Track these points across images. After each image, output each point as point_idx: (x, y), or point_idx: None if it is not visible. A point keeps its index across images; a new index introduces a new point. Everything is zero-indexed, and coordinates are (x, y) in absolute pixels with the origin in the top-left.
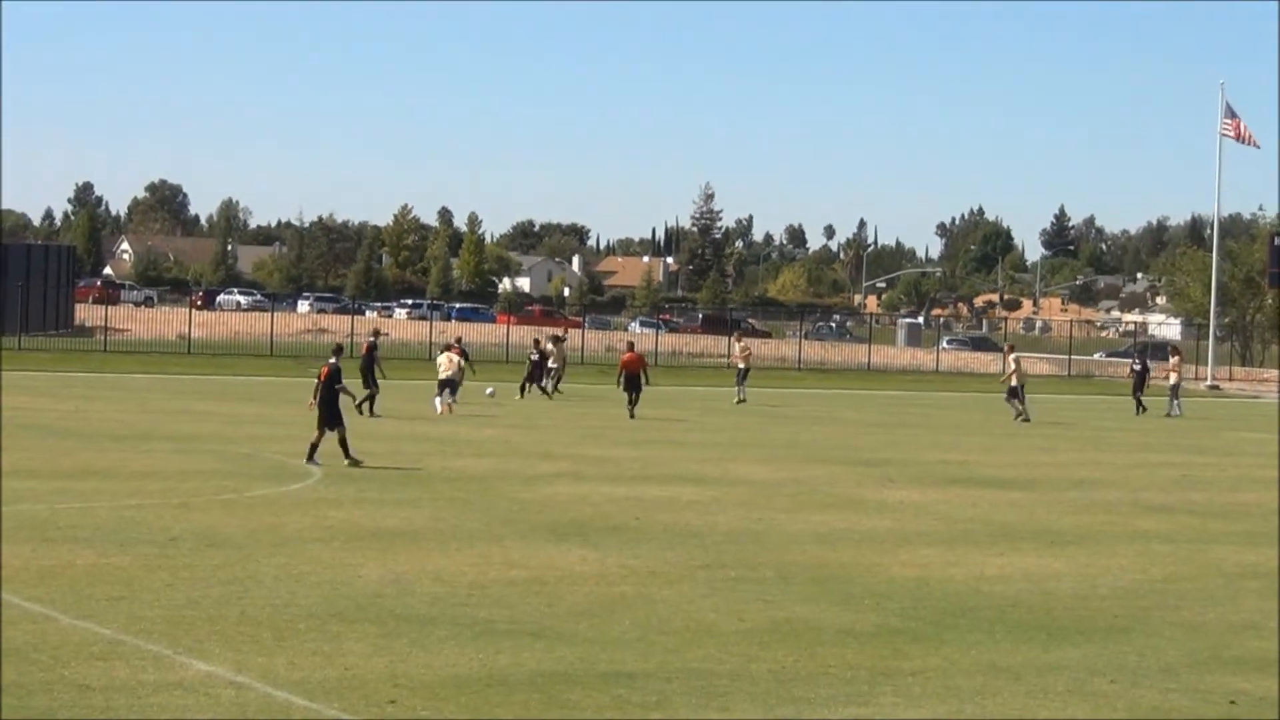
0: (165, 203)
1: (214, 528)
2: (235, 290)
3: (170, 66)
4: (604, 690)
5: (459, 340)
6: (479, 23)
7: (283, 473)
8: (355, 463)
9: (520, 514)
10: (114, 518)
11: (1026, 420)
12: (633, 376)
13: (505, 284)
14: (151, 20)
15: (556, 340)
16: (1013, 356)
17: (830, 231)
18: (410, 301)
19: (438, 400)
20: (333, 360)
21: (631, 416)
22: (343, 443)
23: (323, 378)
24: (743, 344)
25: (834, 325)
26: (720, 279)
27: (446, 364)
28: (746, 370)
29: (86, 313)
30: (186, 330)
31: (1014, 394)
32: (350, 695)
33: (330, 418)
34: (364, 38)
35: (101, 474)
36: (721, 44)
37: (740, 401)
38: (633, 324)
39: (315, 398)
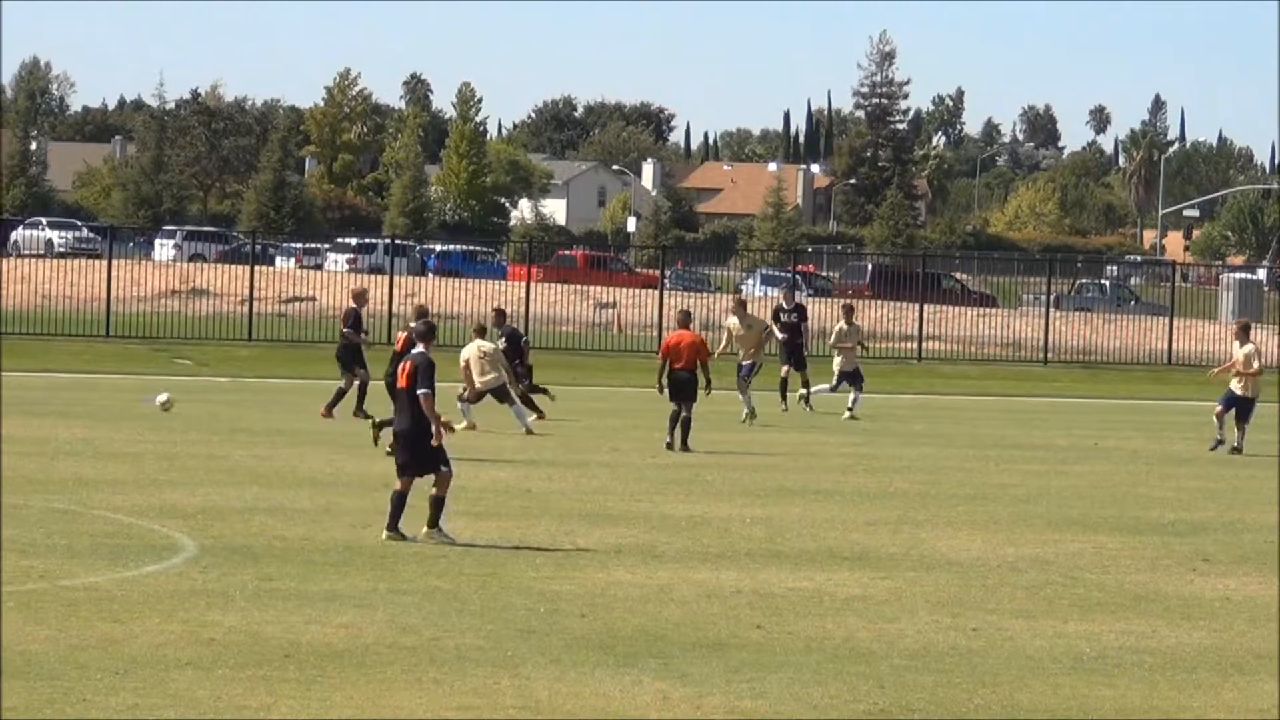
0: None
1: (7, 644)
2: (44, 221)
3: None
4: None
5: (500, 315)
6: None
7: (126, 545)
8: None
9: (550, 618)
10: None
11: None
12: (687, 376)
13: (522, 210)
14: None
15: (500, 315)
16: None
17: (1101, 120)
18: (355, 241)
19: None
20: (418, 348)
21: (680, 447)
22: (436, 505)
23: (405, 377)
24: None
25: (1107, 284)
26: (905, 202)
27: (478, 361)
28: None
29: None
30: None
31: None
32: None
33: (425, 455)
34: None
35: None
36: None
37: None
38: (749, 279)
39: (372, 420)
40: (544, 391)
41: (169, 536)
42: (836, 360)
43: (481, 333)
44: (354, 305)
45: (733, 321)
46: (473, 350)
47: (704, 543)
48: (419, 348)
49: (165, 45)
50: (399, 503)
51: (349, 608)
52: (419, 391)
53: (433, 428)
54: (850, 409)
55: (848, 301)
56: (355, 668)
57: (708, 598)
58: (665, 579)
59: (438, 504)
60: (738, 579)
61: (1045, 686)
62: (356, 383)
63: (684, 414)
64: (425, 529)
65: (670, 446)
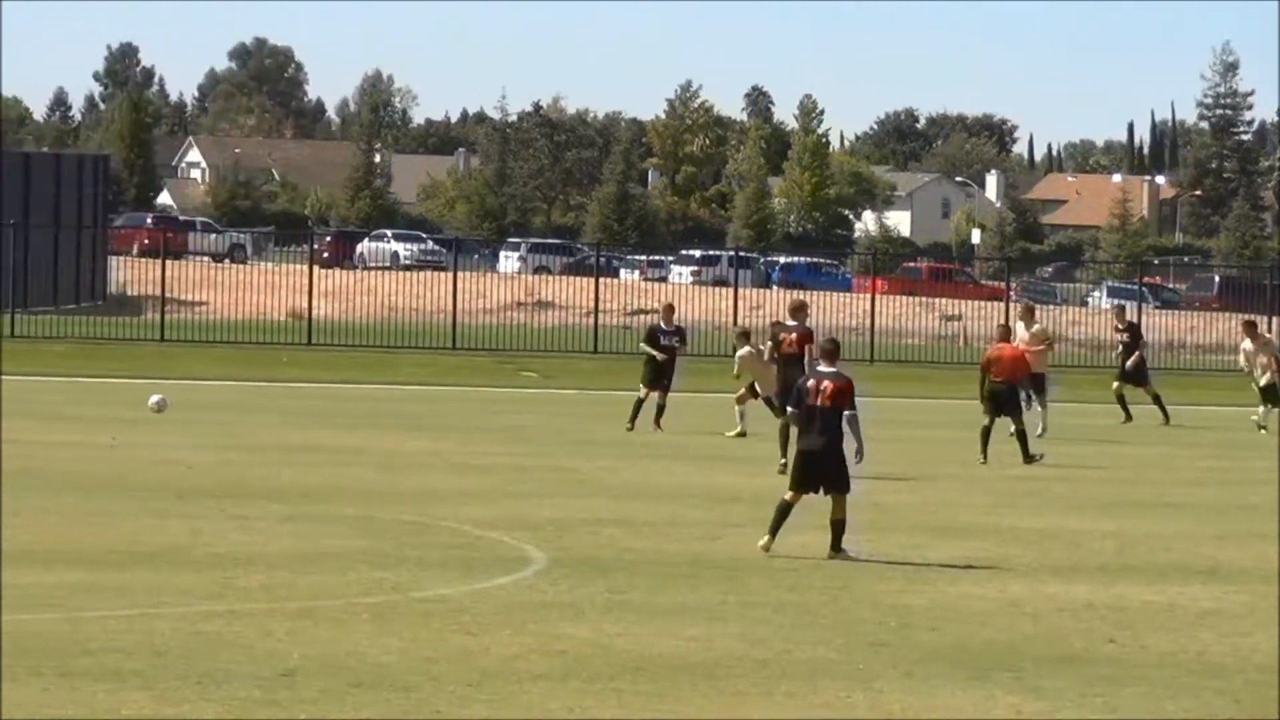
0: (264, 79)
1: (359, 655)
2: (388, 234)
3: None
4: None
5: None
6: None
7: (477, 557)
8: None
9: (901, 631)
10: (183, 635)
11: None
12: (1006, 389)
13: (868, 221)
14: None
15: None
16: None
17: None
18: (698, 253)
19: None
20: (825, 365)
21: (1024, 459)
22: (840, 529)
23: (828, 396)
24: (1264, 341)
25: None
26: (1252, 214)
27: (749, 361)
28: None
29: (130, 272)
30: (304, 303)
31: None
32: None
33: (835, 475)
34: None
35: (159, 556)
36: None
37: (1262, 429)
38: (1095, 292)
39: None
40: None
41: (519, 549)
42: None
43: (746, 337)
44: (658, 320)
45: (1019, 328)
46: (750, 355)
47: (1054, 556)
48: (824, 364)
49: (507, 58)
50: (785, 514)
51: (699, 620)
52: (847, 412)
53: (857, 448)
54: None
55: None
56: (706, 680)
57: (1059, 611)
58: (1016, 592)
59: (841, 527)
60: (1089, 593)
61: None
62: (655, 394)
63: (1015, 427)
64: (830, 552)
65: (985, 461)
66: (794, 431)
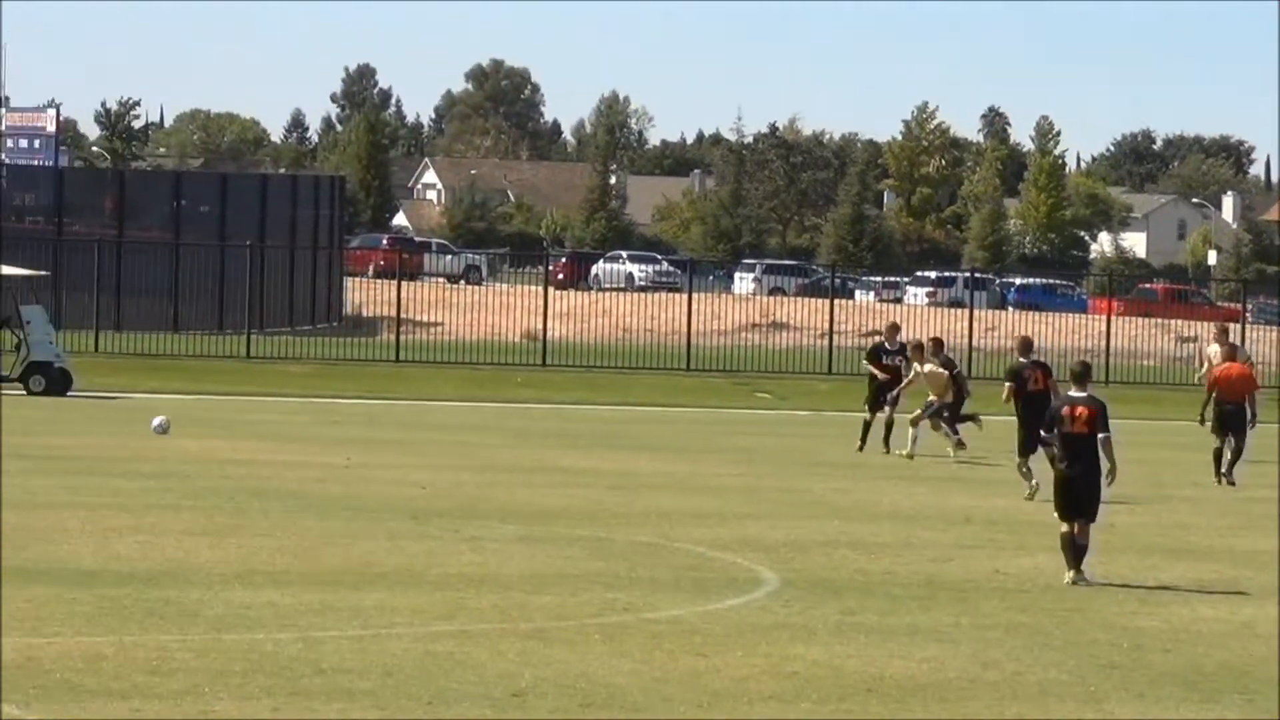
0: (500, 100)
1: (590, 675)
2: (624, 255)
3: None
4: None
5: (938, 344)
6: None
7: (710, 579)
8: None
9: (1134, 653)
10: (415, 656)
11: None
12: (1234, 408)
13: (1103, 243)
14: None
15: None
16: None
17: None
18: (934, 275)
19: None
20: (1077, 390)
21: (1226, 480)
22: (1082, 551)
23: (1084, 423)
24: None
25: None
26: None
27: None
28: None
29: (366, 293)
30: (539, 324)
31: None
32: None
33: (1090, 499)
34: None
35: (393, 577)
36: None
37: None
38: None
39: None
40: (973, 419)
41: (751, 570)
42: None
43: (920, 350)
44: (882, 339)
45: (1213, 349)
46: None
47: None
48: (1075, 389)
49: (743, 80)
50: (1073, 544)
51: (931, 641)
52: (1100, 435)
53: (1109, 469)
54: None
55: None
56: (938, 701)
57: None
58: (1249, 615)
59: (1084, 550)
60: None
61: None
62: (882, 416)
63: (1235, 444)
64: (1071, 574)
65: (1220, 483)
66: (1037, 454)
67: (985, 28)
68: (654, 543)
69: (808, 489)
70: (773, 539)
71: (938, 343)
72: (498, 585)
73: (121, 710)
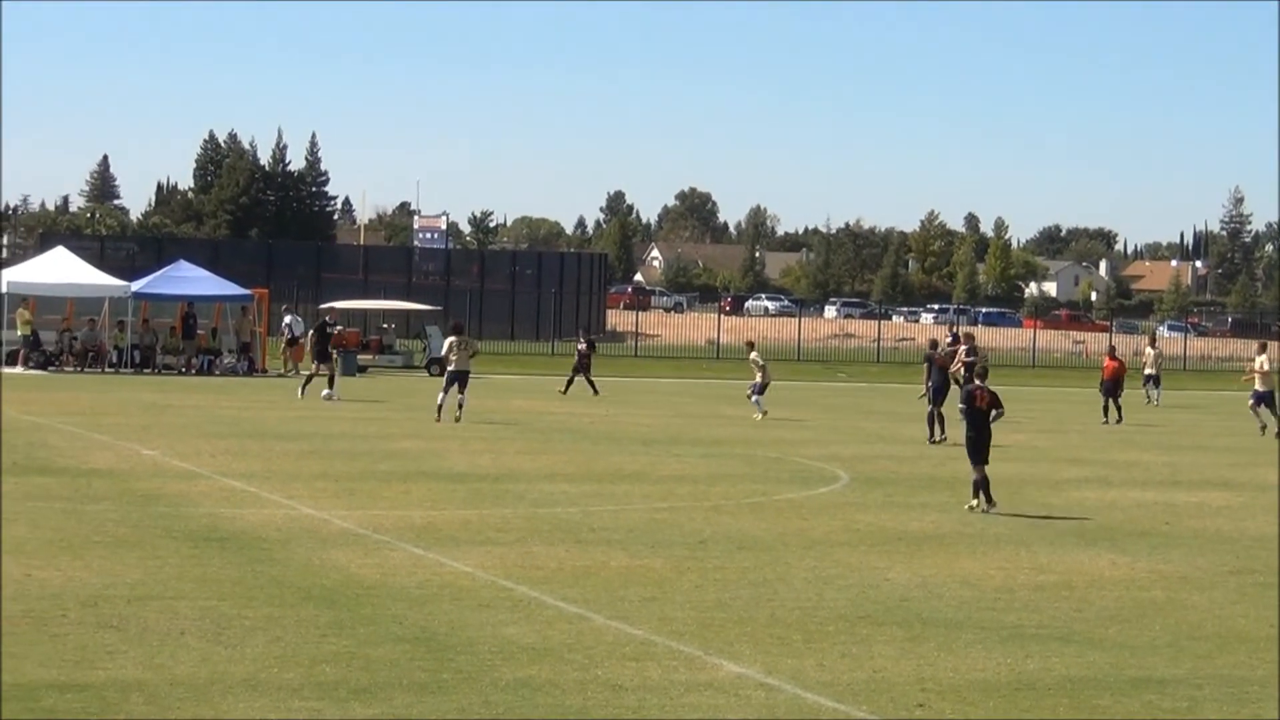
0: (694, 210)
1: (743, 531)
2: (763, 296)
3: (695, 73)
4: (1134, 695)
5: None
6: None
7: (809, 477)
8: None
9: (1047, 519)
10: (645, 520)
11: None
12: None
13: (1032, 289)
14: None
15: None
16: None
17: None
18: (936, 306)
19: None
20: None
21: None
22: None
23: (983, 402)
24: (1261, 361)
25: None
26: (1250, 283)
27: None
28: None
29: (618, 318)
30: (715, 335)
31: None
32: (879, 698)
33: None
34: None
35: (633, 477)
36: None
37: (1263, 428)
38: (1160, 328)
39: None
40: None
41: (833, 471)
42: None
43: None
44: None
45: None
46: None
47: (1135, 475)
48: (980, 382)
49: (829, 195)
50: (979, 482)
51: (932, 512)
52: (994, 412)
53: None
54: None
55: None
56: (937, 545)
57: (1138, 506)
58: (1113, 496)
59: (982, 483)
60: (1154, 495)
61: None
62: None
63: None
64: (975, 502)
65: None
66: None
67: (971, 160)
68: (778, 456)
69: (863, 427)
70: (846, 454)
71: (969, 336)
72: (690, 480)
73: (478, 555)
